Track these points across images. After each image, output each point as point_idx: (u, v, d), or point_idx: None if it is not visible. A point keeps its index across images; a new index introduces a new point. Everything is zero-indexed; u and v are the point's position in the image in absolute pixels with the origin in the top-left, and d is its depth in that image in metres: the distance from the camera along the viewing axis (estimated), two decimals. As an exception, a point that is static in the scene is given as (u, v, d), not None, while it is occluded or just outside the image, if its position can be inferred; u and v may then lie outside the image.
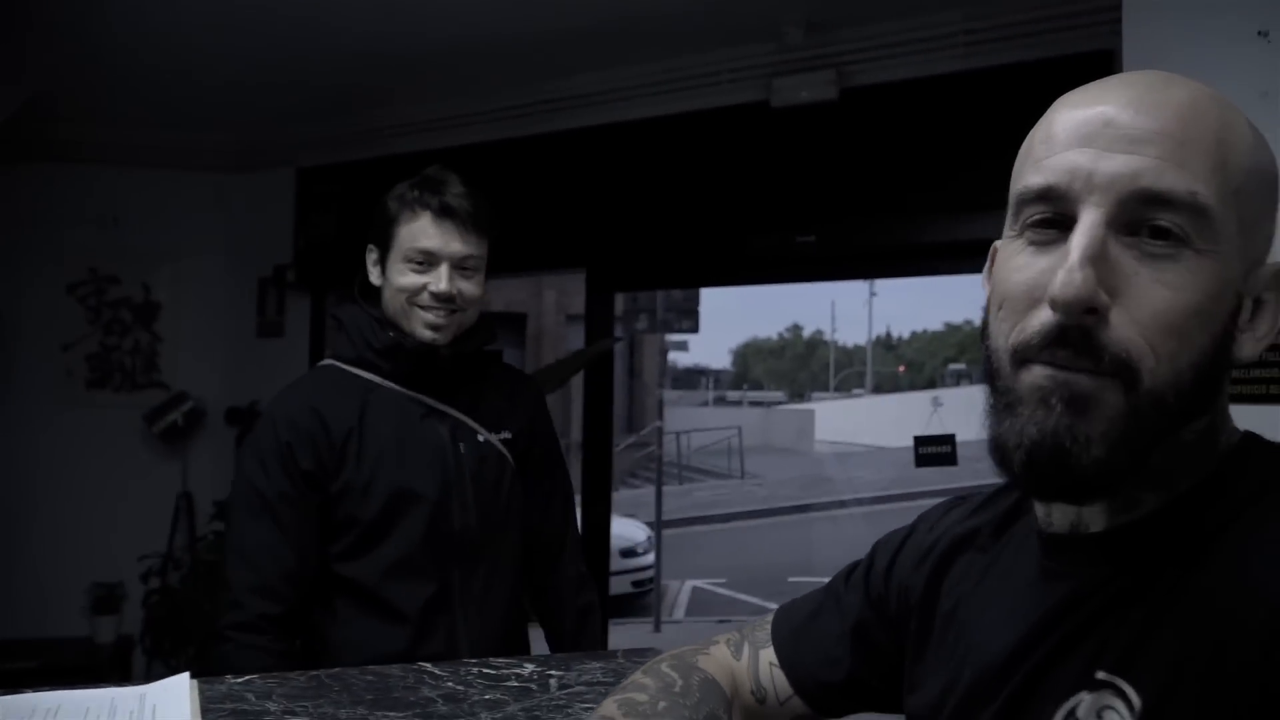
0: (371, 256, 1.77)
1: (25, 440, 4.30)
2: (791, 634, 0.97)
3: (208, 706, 1.05)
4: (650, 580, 8.31)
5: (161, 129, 4.38)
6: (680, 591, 9.20)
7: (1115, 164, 0.62)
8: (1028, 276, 0.65)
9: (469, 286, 1.72)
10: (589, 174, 3.77)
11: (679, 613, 8.59)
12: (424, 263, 1.68)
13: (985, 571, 0.80)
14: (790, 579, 8.56)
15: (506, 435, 1.79)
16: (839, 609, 0.94)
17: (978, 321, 0.71)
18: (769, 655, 0.97)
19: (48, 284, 4.38)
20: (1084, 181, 0.63)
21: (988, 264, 0.75)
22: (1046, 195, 0.65)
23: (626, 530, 8.70)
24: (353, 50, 3.46)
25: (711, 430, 20.83)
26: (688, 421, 22.29)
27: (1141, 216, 0.62)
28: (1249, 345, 0.66)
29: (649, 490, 10.98)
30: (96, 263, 4.45)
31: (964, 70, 2.97)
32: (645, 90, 3.59)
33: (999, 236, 0.72)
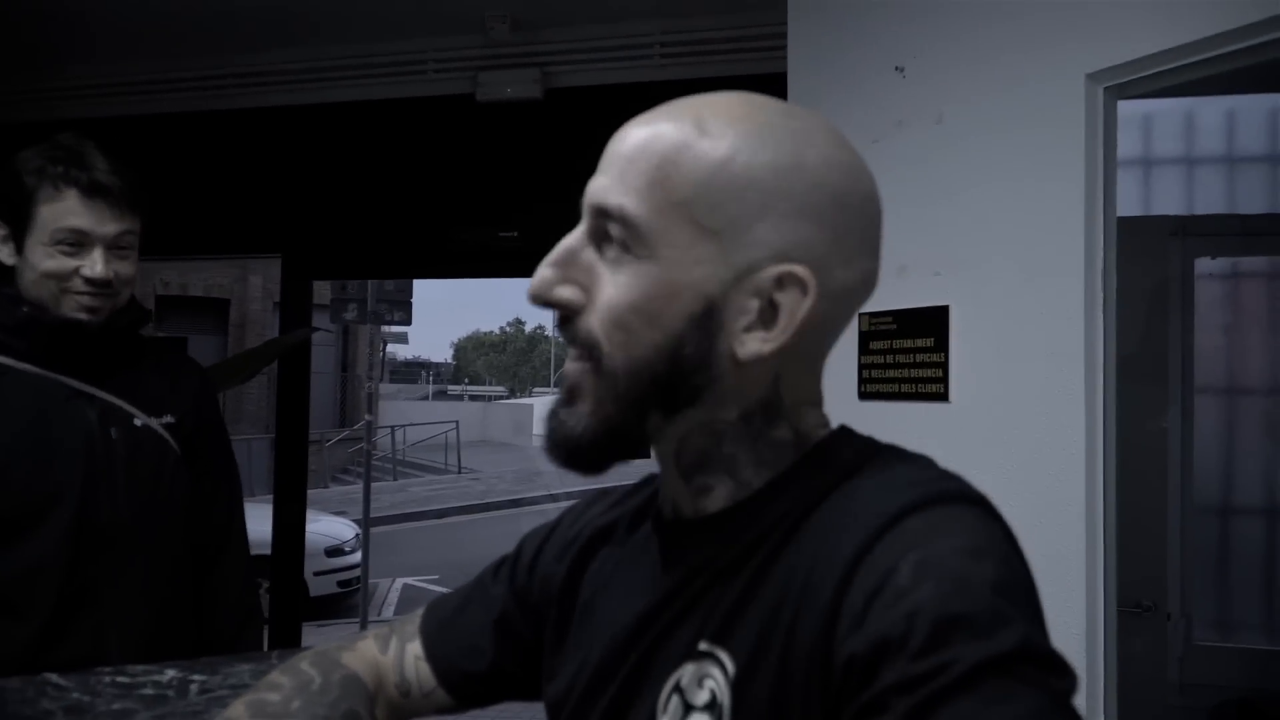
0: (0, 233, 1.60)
1: None
2: (439, 626, 0.97)
3: None
4: (358, 580, 8.07)
5: None
6: (390, 590, 9.03)
7: (592, 183, 0.72)
8: None
9: (124, 267, 1.59)
10: (288, 156, 3.61)
11: (388, 612, 8.42)
12: (75, 244, 1.54)
13: (619, 563, 0.84)
14: (503, 573, 8.57)
15: (169, 420, 1.67)
16: (485, 601, 0.95)
17: None
18: (415, 648, 0.96)
19: None
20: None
21: None
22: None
23: (333, 529, 8.41)
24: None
25: (428, 425, 20.54)
26: (406, 415, 21.86)
27: (602, 227, 0.71)
28: (754, 344, 0.70)
29: (361, 486, 10.68)
30: None
31: (661, 80, 3.12)
32: (350, 73, 3.49)
33: None
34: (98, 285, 1.55)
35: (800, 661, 0.62)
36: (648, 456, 0.78)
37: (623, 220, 0.69)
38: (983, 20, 1.78)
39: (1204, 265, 3.00)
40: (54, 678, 1.13)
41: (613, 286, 0.70)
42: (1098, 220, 1.64)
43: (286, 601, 3.71)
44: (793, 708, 0.62)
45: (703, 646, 0.69)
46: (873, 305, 1.71)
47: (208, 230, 3.71)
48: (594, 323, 0.70)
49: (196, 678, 1.14)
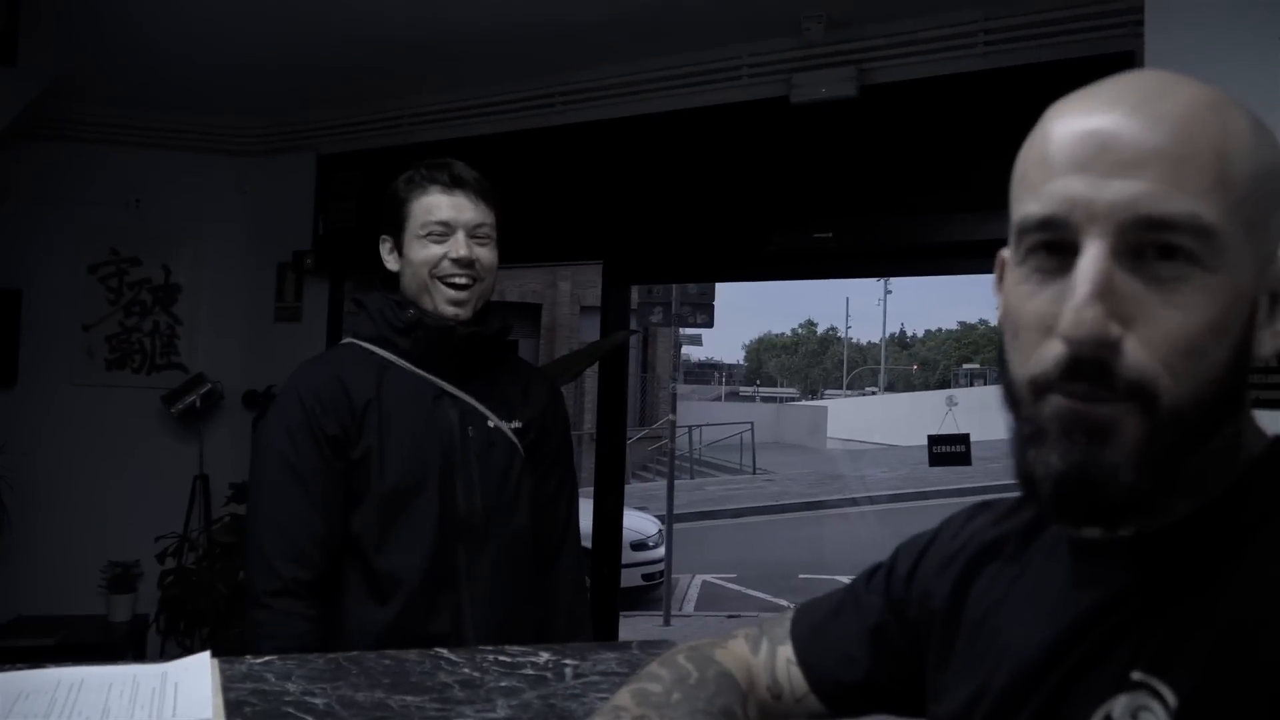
0: (385, 245, 1.81)
1: (46, 418, 4.33)
2: (811, 632, 0.96)
3: (228, 685, 1.07)
4: (660, 574, 8.33)
5: (183, 112, 4.42)
6: (690, 585, 9.23)
7: (1113, 191, 0.61)
8: (1037, 307, 0.65)
9: (485, 253, 1.77)
10: (608, 166, 3.79)
11: (689, 607, 8.62)
12: (442, 234, 1.73)
13: (1015, 580, 0.79)
14: (801, 576, 8.56)
15: (517, 425, 1.81)
16: (859, 610, 0.93)
17: (993, 321, 0.71)
18: (787, 652, 0.96)
19: (70, 264, 4.41)
20: (1084, 211, 0.62)
21: (996, 274, 0.74)
22: (1048, 224, 0.64)
23: (637, 523, 8.73)
24: (374, 36, 3.47)
25: (724, 425, 20.86)
26: (700, 416, 22.32)
27: (1145, 241, 0.61)
28: (1269, 342, 0.65)
29: (660, 483, 11.00)
30: (118, 243, 4.48)
31: (983, 69, 2.98)
32: (666, 83, 3.61)
33: None
34: (462, 266, 1.72)
35: (1261, 691, 0.56)
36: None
37: (1196, 230, 0.60)
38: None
39: None
40: (445, 653, 1.24)
41: (1175, 310, 0.61)
42: None
43: (606, 590, 3.89)
44: None
45: (1136, 677, 0.63)
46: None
47: (537, 239, 3.95)
48: (1145, 355, 0.61)
49: (569, 662, 1.21)
